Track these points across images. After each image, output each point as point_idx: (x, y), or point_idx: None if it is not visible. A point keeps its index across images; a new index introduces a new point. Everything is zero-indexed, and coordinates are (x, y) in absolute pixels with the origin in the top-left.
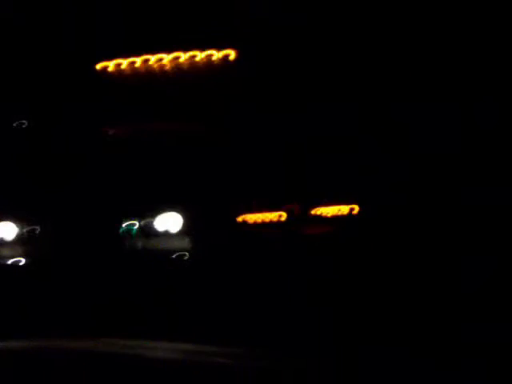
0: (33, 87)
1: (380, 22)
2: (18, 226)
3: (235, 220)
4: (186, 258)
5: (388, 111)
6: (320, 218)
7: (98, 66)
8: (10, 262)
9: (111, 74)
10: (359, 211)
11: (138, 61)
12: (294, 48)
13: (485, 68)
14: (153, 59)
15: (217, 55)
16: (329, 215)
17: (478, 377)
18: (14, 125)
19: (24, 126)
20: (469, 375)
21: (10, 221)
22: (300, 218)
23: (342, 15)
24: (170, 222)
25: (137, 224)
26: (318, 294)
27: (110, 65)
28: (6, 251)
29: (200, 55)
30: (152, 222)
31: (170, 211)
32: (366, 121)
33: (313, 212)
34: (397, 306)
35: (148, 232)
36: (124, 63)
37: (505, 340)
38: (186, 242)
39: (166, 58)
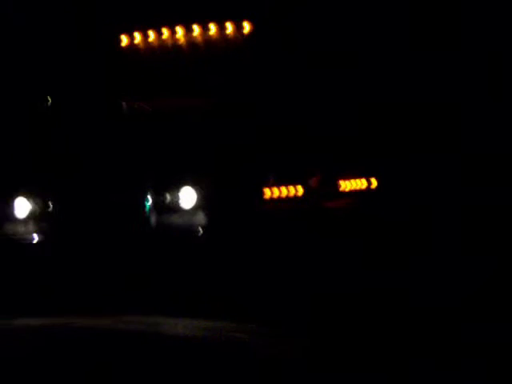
0: (48, 64)
1: None
2: (31, 203)
3: (254, 194)
4: (201, 233)
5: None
6: (339, 192)
7: (117, 40)
8: (23, 238)
9: (125, 47)
10: (378, 185)
11: (152, 34)
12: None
13: None
14: (166, 33)
15: (231, 28)
16: (347, 189)
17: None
18: (31, 102)
19: (42, 104)
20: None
21: (24, 197)
22: (319, 192)
23: None
24: (186, 197)
25: (150, 200)
26: (336, 272)
27: (124, 39)
28: (20, 228)
29: (214, 28)
30: (173, 198)
31: (186, 186)
32: (384, 96)
33: (332, 186)
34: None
35: (168, 207)
36: (137, 37)
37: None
38: (202, 218)
39: (180, 32)
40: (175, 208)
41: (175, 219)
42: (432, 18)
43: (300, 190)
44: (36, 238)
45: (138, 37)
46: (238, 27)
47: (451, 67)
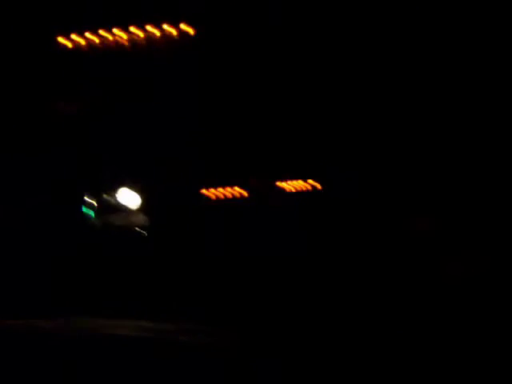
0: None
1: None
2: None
3: (197, 194)
4: (146, 234)
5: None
6: (283, 192)
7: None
8: None
9: (68, 49)
10: (322, 187)
11: (96, 38)
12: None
13: None
14: (111, 36)
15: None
16: (292, 190)
17: None
18: None
19: None
20: None
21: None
22: (263, 193)
23: None
24: (129, 197)
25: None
26: (283, 272)
27: (67, 41)
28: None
29: (157, 32)
30: (112, 198)
31: (128, 187)
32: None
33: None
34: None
35: (109, 208)
36: (82, 40)
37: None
38: (145, 218)
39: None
40: (117, 208)
41: (117, 219)
42: None
43: (240, 191)
44: None
45: (75, 38)
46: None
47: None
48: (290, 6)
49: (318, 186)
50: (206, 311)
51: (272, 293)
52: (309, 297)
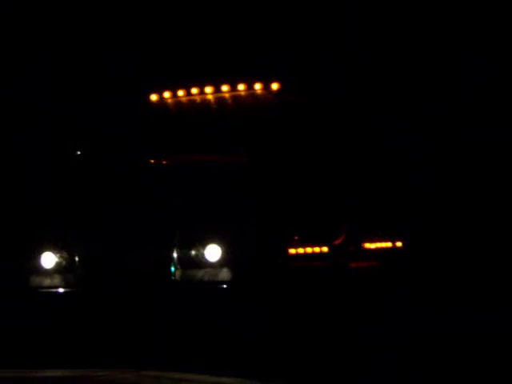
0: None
1: None
2: (56, 255)
3: (279, 253)
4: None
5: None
6: (365, 251)
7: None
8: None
9: (156, 105)
10: (403, 246)
11: (182, 92)
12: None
13: None
14: (195, 91)
15: (260, 86)
16: (372, 248)
17: None
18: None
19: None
20: None
21: (50, 250)
22: (345, 252)
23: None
24: (211, 253)
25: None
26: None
27: (154, 96)
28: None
29: (243, 86)
30: (196, 253)
31: (211, 243)
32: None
33: (358, 246)
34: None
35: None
36: (167, 95)
37: None
38: (225, 273)
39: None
40: (200, 263)
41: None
42: None
43: (324, 249)
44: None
45: (167, 95)
46: (266, 86)
47: None
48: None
49: None
50: None
51: None
52: None
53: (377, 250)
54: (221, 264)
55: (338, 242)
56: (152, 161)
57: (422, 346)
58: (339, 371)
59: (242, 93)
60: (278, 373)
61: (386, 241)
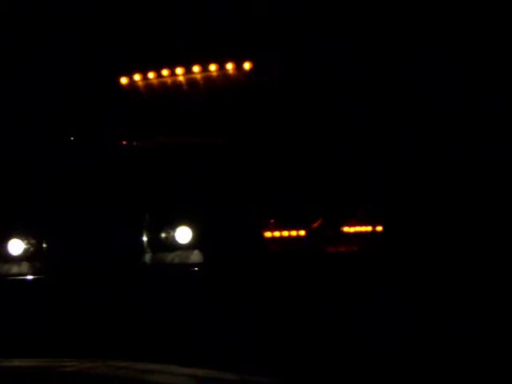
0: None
1: None
2: (24, 242)
3: (253, 235)
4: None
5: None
6: (344, 236)
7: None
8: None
9: (126, 87)
10: (384, 230)
11: (151, 74)
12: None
13: None
14: (165, 72)
15: (232, 66)
16: (351, 232)
17: None
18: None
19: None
20: None
21: (17, 237)
22: (323, 236)
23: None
24: (182, 234)
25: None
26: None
27: (124, 79)
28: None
29: (215, 67)
30: (169, 235)
31: (181, 225)
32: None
33: (336, 230)
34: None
35: (163, 245)
36: (137, 77)
37: None
38: (196, 255)
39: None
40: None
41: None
42: None
43: (301, 232)
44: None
45: (138, 77)
46: (238, 66)
47: None
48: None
49: None
50: None
51: None
52: None
53: (356, 234)
54: (192, 246)
55: (315, 225)
56: (122, 144)
57: (403, 337)
58: (314, 361)
59: (214, 73)
60: (251, 362)
61: (365, 225)
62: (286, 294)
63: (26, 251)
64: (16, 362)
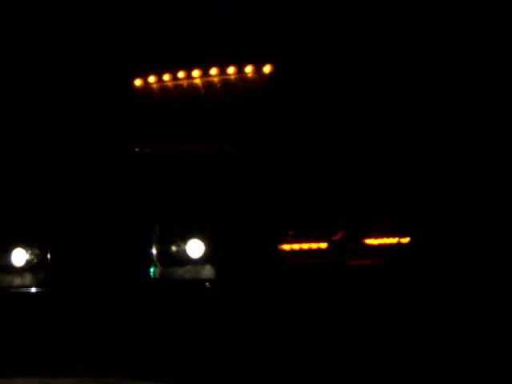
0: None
1: None
2: (28, 252)
3: (270, 249)
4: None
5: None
6: (367, 248)
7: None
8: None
9: (140, 89)
10: (411, 241)
11: (167, 76)
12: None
13: None
14: (182, 75)
15: (251, 69)
16: (375, 244)
17: None
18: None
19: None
20: None
21: (20, 247)
22: (345, 249)
23: None
24: (193, 248)
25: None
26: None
27: (139, 81)
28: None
29: (233, 70)
30: (180, 249)
31: (194, 238)
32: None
33: (358, 242)
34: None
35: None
36: (152, 79)
37: None
38: (208, 270)
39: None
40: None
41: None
42: None
43: (322, 245)
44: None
45: (152, 79)
46: (258, 69)
47: None
48: None
49: None
50: None
51: None
52: None
53: (380, 246)
54: (204, 260)
55: (337, 237)
56: (134, 150)
57: (429, 352)
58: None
59: (232, 76)
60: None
61: (390, 236)
62: (305, 311)
63: (29, 262)
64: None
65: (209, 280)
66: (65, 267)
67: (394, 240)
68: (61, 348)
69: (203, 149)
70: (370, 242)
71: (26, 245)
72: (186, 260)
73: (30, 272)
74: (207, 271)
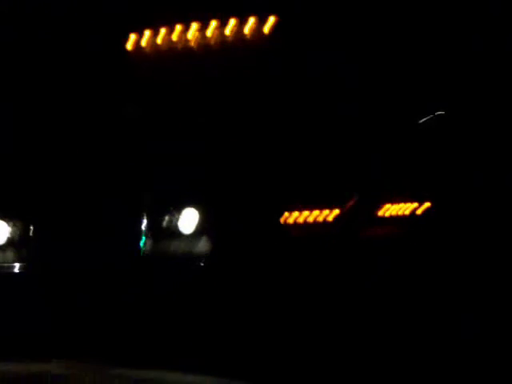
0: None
1: None
2: (9, 226)
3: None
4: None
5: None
6: (382, 217)
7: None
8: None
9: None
10: (428, 210)
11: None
12: None
13: None
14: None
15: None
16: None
17: None
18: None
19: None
20: None
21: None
22: (356, 218)
23: None
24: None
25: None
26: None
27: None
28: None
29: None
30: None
31: (187, 207)
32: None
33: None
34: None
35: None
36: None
37: None
38: (204, 244)
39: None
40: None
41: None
42: None
43: (331, 215)
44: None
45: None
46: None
47: None
48: None
49: None
50: None
51: None
52: None
53: (393, 217)
54: (198, 233)
55: (347, 206)
56: (124, 116)
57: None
58: (345, 363)
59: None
60: (266, 368)
61: (405, 204)
62: (310, 288)
63: (11, 237)
64: (9, 366)
65: (204, 255)
66: (50, 242)
67: (409, 209)
68: (48, 331)
69: (199, 112)
70: (382, 212)
71: (8, 219)
72: (179, 233)
73: (13, 248)
74: (202, 245)
